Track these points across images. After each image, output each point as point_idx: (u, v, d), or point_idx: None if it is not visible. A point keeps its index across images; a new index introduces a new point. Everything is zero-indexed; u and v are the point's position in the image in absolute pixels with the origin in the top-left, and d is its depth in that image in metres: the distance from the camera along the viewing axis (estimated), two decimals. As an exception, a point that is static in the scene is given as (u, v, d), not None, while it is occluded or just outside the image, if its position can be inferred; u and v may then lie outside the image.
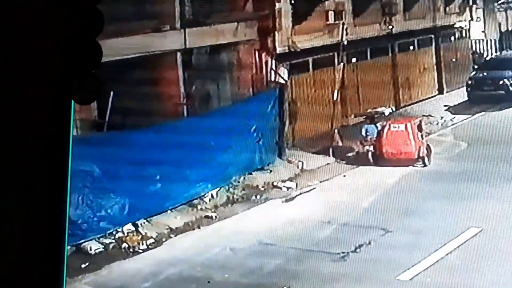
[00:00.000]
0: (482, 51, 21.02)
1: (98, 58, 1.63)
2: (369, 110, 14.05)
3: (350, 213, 10.22)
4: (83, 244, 9.00)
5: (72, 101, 1.64)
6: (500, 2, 21.64)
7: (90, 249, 9.00)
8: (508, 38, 21.92)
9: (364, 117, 14.04)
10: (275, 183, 11.85)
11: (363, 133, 13.10)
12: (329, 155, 13.33)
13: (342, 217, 10.02)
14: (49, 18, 1.59)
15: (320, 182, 12.00)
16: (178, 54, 11.75)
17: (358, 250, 8.79)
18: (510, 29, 22.07)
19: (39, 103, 1.60)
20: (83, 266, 8.58)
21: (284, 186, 11.79)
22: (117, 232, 9.41)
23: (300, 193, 11.48)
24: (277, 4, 13.49)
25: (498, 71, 17.78)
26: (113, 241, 9.28)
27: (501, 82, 17.57)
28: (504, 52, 20.53)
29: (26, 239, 1.63)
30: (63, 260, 1.68)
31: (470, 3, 19.89)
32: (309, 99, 14.62)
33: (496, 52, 20.93)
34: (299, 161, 12.86)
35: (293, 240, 9.27)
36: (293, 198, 11.29)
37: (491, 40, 21.28)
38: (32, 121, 1.61)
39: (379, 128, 12.97)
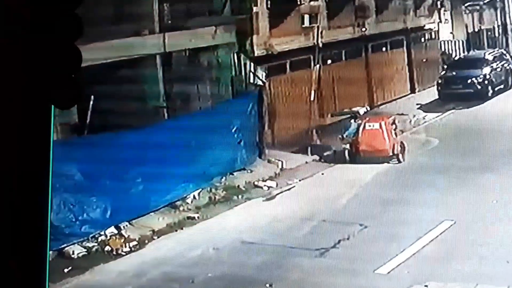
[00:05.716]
0: (450, 52, 21.16)
1: (78, 63, 1.57)
2: (345, 110, 13.98)
3: (329, 210, 10.04)
4: (66, 249, 8.66)
5: (52, 106, 1.56)
6: (467, 4, 21.81)
7: (73, 253, 8.66)
8: (474, 39, 22.11)
9: (340, 116, 13.97)
10: (256, 183, 11.64)
11: (342, 131, 13.05)
12: (307, 154, 13.19)
13: (321, 214, 9.84)
14: (28, 23, 1.50)
15: (300, 180, 11.82)
16: (158, 57, 11.50)
17: (337, 245, 8.62)
18: (476, 30, 22.26)
19: (19, 108, 1.53)
20: (66, 270, 8.23)
21: (265, 185, 11.58)
22: (100, 235, 9.09)
23: (281, 192, 11.29)
24: (254, 8, 13.33)
25: (466, 70, 17.84)
26: (96, 244, 8.96)
27: (469, 81, 17.63)
28: (472, 52, 20.64)
29: (7, 245, 1.53)
30: (46, 265, 1.59)
31: (439, 6, 20.00)
32: (287, 100, 14.46)
33: (464, 52, 21.08)
34: (279, 160, 12.70)
35: (275, 238, 9.06)
36: (273, 197, 11.09)
37: (459, 41, 21.42)
38: (12, 126, 1.52)
39: (356, 126, 12.90)
